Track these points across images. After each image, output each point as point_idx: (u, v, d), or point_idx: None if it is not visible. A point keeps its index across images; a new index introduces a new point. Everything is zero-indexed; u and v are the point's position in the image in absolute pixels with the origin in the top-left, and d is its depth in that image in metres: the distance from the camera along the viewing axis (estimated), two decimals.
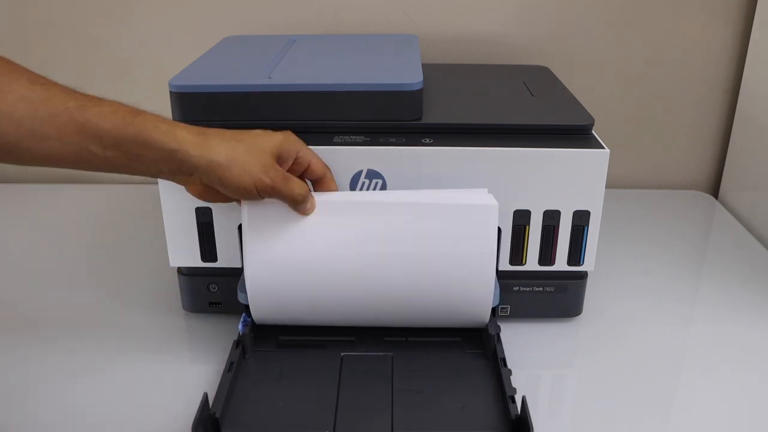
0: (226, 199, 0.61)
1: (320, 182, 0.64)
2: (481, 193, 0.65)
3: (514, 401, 0.58)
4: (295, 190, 0.60)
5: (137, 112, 0.56)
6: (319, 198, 0.64)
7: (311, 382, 0.63)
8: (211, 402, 0.57)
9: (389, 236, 0.64)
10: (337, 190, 0.65)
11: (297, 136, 0.63)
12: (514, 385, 0.60)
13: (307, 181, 0.64)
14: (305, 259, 0.64)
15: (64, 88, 0.56)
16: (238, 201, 0.63)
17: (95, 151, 0.55)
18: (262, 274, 0.64)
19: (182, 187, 0.67)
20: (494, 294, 0.64)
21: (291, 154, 0.61)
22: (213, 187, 0.59)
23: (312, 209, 0.63)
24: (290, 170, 0.62)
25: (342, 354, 0.66)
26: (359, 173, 0.66)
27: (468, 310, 0.65)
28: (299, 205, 0.62)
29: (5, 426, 0.61)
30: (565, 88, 0.83)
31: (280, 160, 0.60)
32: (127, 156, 0.55)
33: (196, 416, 0.54)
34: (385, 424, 0.57)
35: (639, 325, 0.76)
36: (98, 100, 0.56)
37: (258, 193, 0.58)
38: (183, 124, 0.57)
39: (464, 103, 0.77)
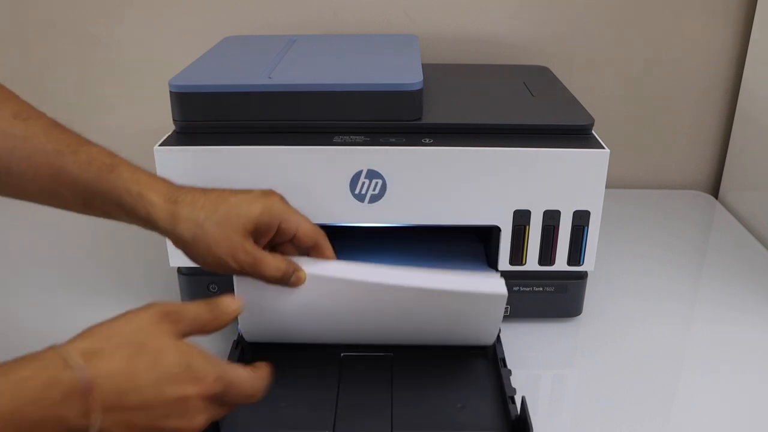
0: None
1: (313, 250, 0.59)
2: (492, 278, 0.61)
3: (513, 402, 0.58)
4: (268, 272, 0.55)
5: (112, 167, 0.54)
6: (312, 271, 0.58)
7: (311, 383, 0.63)
8: None
9: (392, 315, 0.61)
10: (333, 257, 0.60)
11: (282, 203, 0.57)
12: (513, 385, 0.60)
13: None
14: (298, 324, 0.62)
15: (47, 124, 0.54)
16: None
17: (68, 197, 0.53)
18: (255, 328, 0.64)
19: None
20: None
21: (272, 227, 0.56)
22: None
23: (299, 282, 0.57)
24: (277, 236, 0.57)
25: (342, 354, 0.66)
26: (359, 173, 0.66)
27: (472, 340, 0.65)
28: (279, 283, 0.56)
29: None
30: (565, 88, 0.83)
31: (257, 233, 0.56)
32: (101, 209, 0.54)
33: None
34: (385, 425, 0.57)
35: (639, 325, 0.75)
36: (77, 145, 0.54)
37: (224, 272, 0.55)
38: (157, 184, 0.54)
39: (464, 103, 0.77)
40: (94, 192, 0.53)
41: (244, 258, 0.54)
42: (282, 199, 0.58)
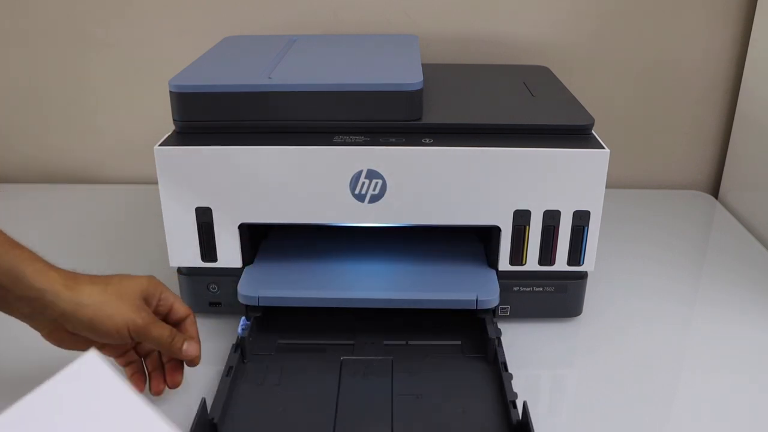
0: (84, 345, 0.58)
1: (182, 325, 0.63)
2: None
3: (515, 406, 0.58)
4: (164, 332, 0.59)
5: (14, 245, 0.56)
6: None
7: (311, 387, 0.63)
8: (209, 407, 0.57)
9: None
10: (196, 334, 0.63)
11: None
12: (514, 386, 0.60)
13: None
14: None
15: None
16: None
17: None
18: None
19: (182, 187, 0.67)
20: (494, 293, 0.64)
21: (155, 297, 0.61)
22: (78, 334, 0.57)
23: (189, 352, 0.61)
24: (154, 311, 0.61)
25: (342, 358, 0.66)
26: (359, 173, 0.66)
27: None
28: (168, 347, 0.60)
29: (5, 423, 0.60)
30: (565, 88, 0.83)
31: (146, 302, 0.60)
32: None
33: (193, 422, 0.54)
34: (385, 429, 0.57)
35: (639, 325, 0.75)
36: None
37: (129, 334, 0.57)
38: (57, 267, 0.56)
39: (464, 103, 0.77)
40: None
41: (146, 315, 0.58)
42: (158, 280, 0.63)
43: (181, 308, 0.63)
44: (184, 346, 0.60)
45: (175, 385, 0.63)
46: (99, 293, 0.56)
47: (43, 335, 0.58)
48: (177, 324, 0.63)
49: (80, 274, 0.57)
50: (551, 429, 0.60)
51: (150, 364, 0.64)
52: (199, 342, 0.63)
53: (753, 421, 0.62)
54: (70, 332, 0.57)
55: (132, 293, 0.58)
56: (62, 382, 0.47)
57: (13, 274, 0.54)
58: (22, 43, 1.05)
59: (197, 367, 0.68)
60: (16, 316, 0.56)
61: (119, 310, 0.56)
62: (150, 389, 0.63)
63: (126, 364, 0.63)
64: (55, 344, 0.58)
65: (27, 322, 0.57)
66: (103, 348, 0.60)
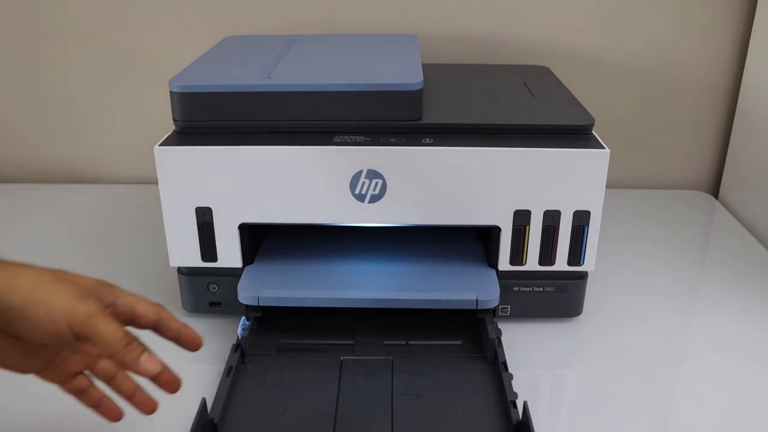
0: (12, 356, 0.47)
1: (158, 325, 0.50)
2: None
3: (515, 406, 0.58)
4: (117, 332, 0.45)
5: None
6: None
7: (311, 387, 0.62)
8: (209, 407, 0.57)
9: None
10: (181, 325, 0.50)
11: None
12: (514, 385, 0.60)
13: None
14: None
15: None
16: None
17: None
18: None
19: (182, 187, 0.67)
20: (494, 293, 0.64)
21: (108, 300, 0.48)
22: (4, 329, 0.45)
23: (149, 366, 0.46)
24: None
25: (342, 358, 0.66)
26: (359, 173, 0.66)
27: None
28: (120, 355, 0.45)
29: (4, 423, 0.60)
30: (565, 88, 0.83)
31: (95, 297, 0.47)
32: None
33: (194, 422, 0.54)
34: (385, 429, 0.57)
35: (639, 325, 0.75)
36: None
37: (69, 330, 0.44)
38: None
39: (464, 103, 0.77)
40: None
41: (92, 306, 0.45)
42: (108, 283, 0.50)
43: (148, 311, 0.49)
44: (142, 357, 0.45)
45: (149, 411, 0.51)
46: (35, 274, 0.45)
47: None
48: (153, 328, 0.50)
49: (14, 264, 0.47)
50: (551, 429, 0.60)
51: (121, 386, 0.51)
52: (188, 335, 0.50)
53: (753, 421, 0.62)
54: None
55: (78, 283, 0.46)
56: None
57: None
58: (22, 42, 1.05)
59: (199, 363, 0.68)
60: None
61: (57, 295, 0.44)
62: (104, 417, 0.52)
63: (79, 393, 0.51)
64: None
65: None
66: (45, 368, 0.49)
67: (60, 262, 0.90)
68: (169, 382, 0.47)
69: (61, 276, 0.46)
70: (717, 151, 1.11)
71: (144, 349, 0.46)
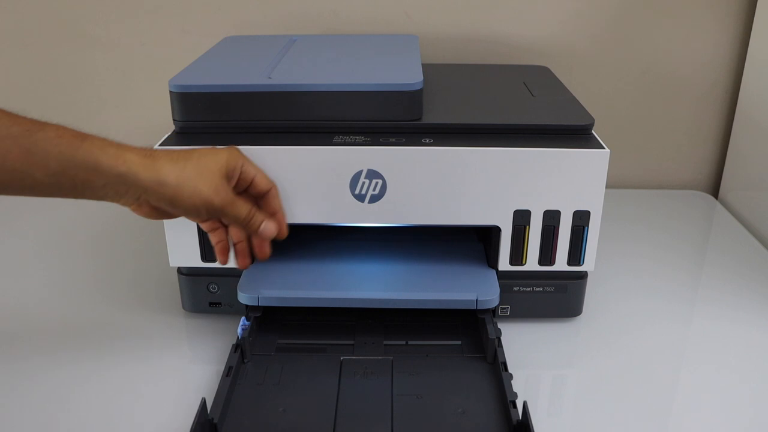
0: (172, 216, 0.62)
1: (265, 198, 0.64)
2: None
3: (515, 406, 0.58)
4: (242, 212, 0.61)
5: (84, 136, 0.56)
6: None
7: (311, 387, 0.62)
8: (209, 407, 0.57)
9: None
10: (280, 207, 0.65)
11: (240, 152, 0.63)
12: (514, 386, 0.60)
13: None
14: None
15: (7, 112, 0.54)
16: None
17: (40, 178, 0.54)
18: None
19: None
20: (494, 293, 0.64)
21: (236, 171, 0.62)
22: (160, 207, 0.59)
23: (267, 231, 0.63)
24: (236, 185, 0.62)
25: (342, 358, 0.66)
26: (359, 173, 0.66)
27: None
28: (246, 226, 0.62)
29: (5, 423, 0.61)
30: (565, 88, 0.83)
31: (227, 177, 0.61)
32: (73, 181, 0.55)
33: (194, 422, 0.54)
34: (385, 429, 0.57)
35: (639, 325, 0.75)
36: (42, 125, 0.54)
37: (207, 212, 0.59)
38: (131, 147, 0.57)
39: (464, 103, 0.77)
40: (68, 163, 0.54)
41: (225, 195, 0.59)
42: (240, 151, 0.63)
43: (262, 181, 0.63)
44: (262, 226, 0.62)
45: (263, 257, 0.66)
46: (178, 171, 0.57)
47: (132, 210, 0.60)
48: (261, 197, 0.64)
49: (158, 151, 0.58)
50: (551, 429, 0.60)
51: (235, 235, 0.66)
52: (282, 217, 0.65)
53: (753, 421, 0.62)
54: (154, 207, 0.59)
55: (211, 171, 0.59)
56: None
57: (90, 166, 0.54)
58: (22, 42, 1.05)
59: (199, 363, 0.68)
60: (107, 200, 0.57)
61: (196, 190, 0.57)
62: (236, 261, 0.67)
63: (210, 230, 0.66)
64: (143, 216, 0.61)
65: (116, 202, 0.58)
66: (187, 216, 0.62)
67: (60, 262, 0.90)
68: (278, 235, 0.65)
69: (198, 168, 0.58)
70: (717, 151, 1.11)
71: (263, 217, 0.63)
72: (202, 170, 0.58)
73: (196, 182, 0.58)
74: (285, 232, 0.65)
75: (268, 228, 0.63)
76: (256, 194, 0.64)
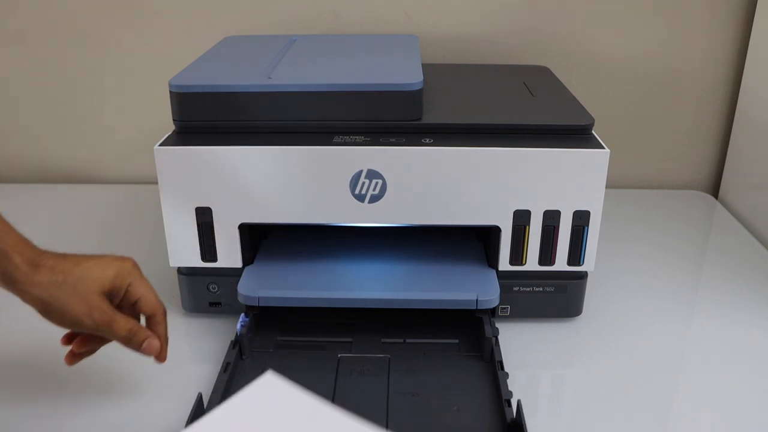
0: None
1: (149, 321, 0.60)
2: None
3: (509, 405, 0.58)
4: (120, 331, 0.57)
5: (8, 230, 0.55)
6: None
7: (308, 384, 0.62)
8: (206, 403, 0.57)
9: None
10: (163, 334, 0.60)
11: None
12: (513, 385, 0.60)
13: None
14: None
15: None
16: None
17: None
18: None
19: (182, 187, 0.67)
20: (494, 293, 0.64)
21: (121, 290, 0.58)
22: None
23: (152, 349, 0.58)
24: (122, 301, 0.59)
25: (339, 355, 0.66)
26: (359, 173, 0.66)
27: None
28: (127, 344, 0.58)
29: (4, 415, 0.61)
30: (565, 88, 0.83)
31: (111, 294, 0.58)
32: None
33: (189, 416, 0.54)
34: (381, 426, 0.57)
35: (639, 325, 0.75)
36: None
37: (80, 329, 0.57)
38: (20, 245, 0.55)
39: (464, 103, 0.77)
40: None
41: (99, 317, 0.56)
42: (135, 265, 0.60)
43: (147, 305, 0.59)
44: (145, 344, 0.58)
45: (161, 360, 0.60)
46: (52, 289, 0.55)
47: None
48: (146, 319, 0.60)
49: (45, 259, 0.55)
50: (551, 429, 0.60)
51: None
52: (164, 345, 0.60)
53: (753, 421, 0.62)
54: None
55: (89, 290, 0.56)
56: (247, 398, 0.51)
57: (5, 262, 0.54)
58: (22, 42, 1.05)
59: (199, 363, 0.68)
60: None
61: (67, 309, 0.55)
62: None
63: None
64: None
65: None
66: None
67: None
68: (157, 358, 0.60)
69: (75, 286, 0.55)
70: (717, 151, 1.11)
71: (145, 337, 0.58)
72: (78, 289, 0.55)
73: (68, 301, 0.55)
74: (163, 360, 0.60)
75: (152, 347, 0.58)
76: (143, 314, 0.60)
